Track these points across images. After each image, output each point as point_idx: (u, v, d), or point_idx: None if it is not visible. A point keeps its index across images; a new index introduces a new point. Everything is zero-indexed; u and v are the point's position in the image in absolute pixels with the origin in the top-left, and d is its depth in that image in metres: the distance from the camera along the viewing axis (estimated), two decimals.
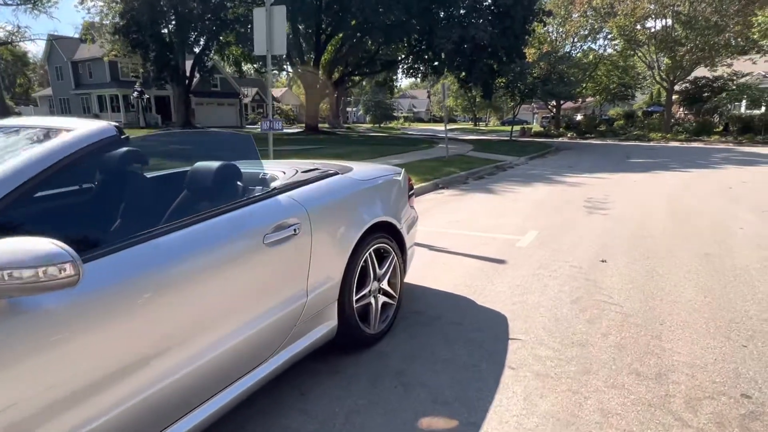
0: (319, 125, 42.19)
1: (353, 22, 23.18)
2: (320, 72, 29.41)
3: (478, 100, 47.23)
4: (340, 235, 2.30)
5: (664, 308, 3.06)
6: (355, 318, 2.43)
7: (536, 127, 40.52)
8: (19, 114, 44.87)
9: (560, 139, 28.39)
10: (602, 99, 35.98)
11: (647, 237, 4.95)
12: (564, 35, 32.27)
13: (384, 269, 2.72)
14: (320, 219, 2.15)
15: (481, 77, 23.01)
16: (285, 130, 33.88)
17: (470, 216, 6.17)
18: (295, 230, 1.97)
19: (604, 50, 33.49)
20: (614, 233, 5.14)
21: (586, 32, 31.43)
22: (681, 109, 31.05)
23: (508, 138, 25.02)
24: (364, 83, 48.32)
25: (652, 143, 24.84)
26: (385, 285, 2.74)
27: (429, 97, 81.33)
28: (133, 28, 22.29)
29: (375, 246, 2.60)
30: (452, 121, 70.26)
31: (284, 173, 2.60)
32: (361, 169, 2.87)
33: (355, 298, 2.44)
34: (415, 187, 8.49)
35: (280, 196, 2.05)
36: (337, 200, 2.34)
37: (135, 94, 33.99)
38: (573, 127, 32.84)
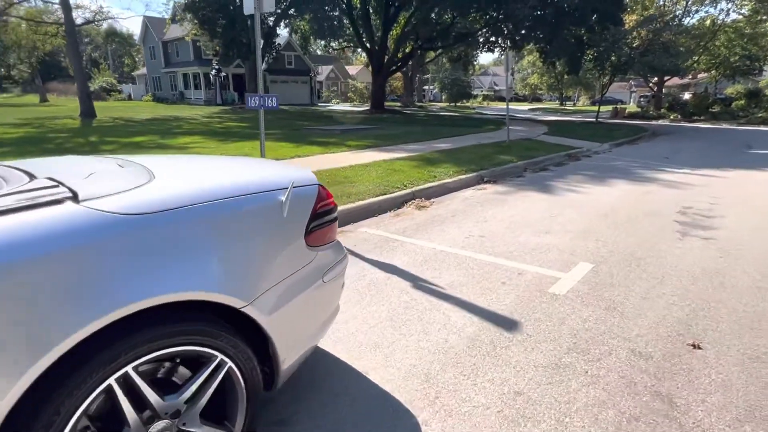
0: (391, 104, 40.85)
1: None
2: (390, 46, 27.83)
3: (566, 77, 42.60)
4: None
5: None
6: None
7: (632, 107, 35.63)
8: (119, 92, 48.86)
9: (660, 122, 24.26)
10: (719, 74, 30.33)
11: None
12: None
13: (191, 391, 1.35)
14: None
15: (566, 49, 19.94)
16: (352, 108, 32.99)
17: (505, 228, 4.50)
18: None
19: (727, 15, 27.95)
20: (721, 279, 3.23)
21: None
22: None
23: (593, 119, 21.78)
24: (444, 60, 45.73)
25: None
26: (194, 425, 1.37)
27: (512, 74, 75.98)
28: (201, 4, 22.33)
29: (159, 353, 1.23)
30: (536, 100, 65.09)
31: None
32: (182, 182, 1.50)
33: None
34: (453, 179, 6.89)
35: None
36: None
37: (213, 72, 35.14)
38: (678, 108, 27.96)
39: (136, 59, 71.37)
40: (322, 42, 32.30)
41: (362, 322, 2.61)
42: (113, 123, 16.44)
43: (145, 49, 46.61)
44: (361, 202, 5.22)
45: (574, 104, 56.82)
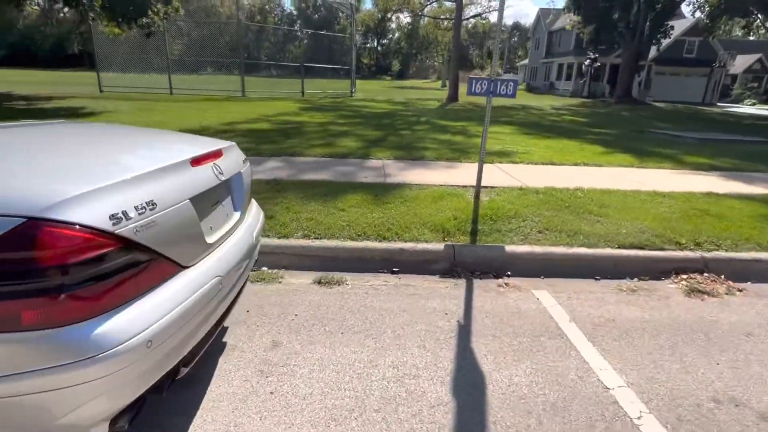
0: None
1: None
2: None
3: None
4: None
5: None
6: None
7: None
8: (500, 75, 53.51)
9: None
10: None
11: None
12: None
13: None
14: None
15: None
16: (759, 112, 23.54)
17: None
18: None
19: None
20: None
21: None
22: None
23: None
24: None
25: None
26: None
27: None
28: None
29: None
30: None
31: None
32: None
33: None
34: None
35: None
36: None
37: (587, 61, 32.92)
38: None
39: (528, 51, 76.51)
40: (743, 20, 24.14)
41: None
42: (461, 108, 17.87)
43: (532, 40, 48.78)
44: (579, 250, 3.33)
45: None
